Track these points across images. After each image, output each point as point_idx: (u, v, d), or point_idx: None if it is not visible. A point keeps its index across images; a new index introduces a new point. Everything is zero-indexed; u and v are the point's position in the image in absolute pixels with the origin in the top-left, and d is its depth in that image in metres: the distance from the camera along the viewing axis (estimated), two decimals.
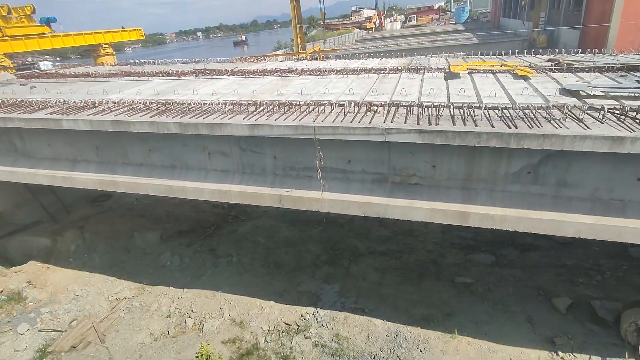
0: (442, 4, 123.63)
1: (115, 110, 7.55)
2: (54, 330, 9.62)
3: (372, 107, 6.30)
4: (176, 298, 10.20)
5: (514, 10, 46.91)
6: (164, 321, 9.53)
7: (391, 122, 5.62)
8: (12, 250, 12.78)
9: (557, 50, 10.84)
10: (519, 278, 9.36)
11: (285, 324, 8.86)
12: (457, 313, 8.57)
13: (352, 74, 9.24)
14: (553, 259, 9.78)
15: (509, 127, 5.06)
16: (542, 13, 35.04)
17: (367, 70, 9.43)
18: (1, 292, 10.95)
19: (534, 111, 5.44)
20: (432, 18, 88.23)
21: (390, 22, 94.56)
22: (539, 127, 4.99)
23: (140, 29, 21.92)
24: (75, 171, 8.38)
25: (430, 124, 5.45)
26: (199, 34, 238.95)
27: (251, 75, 9.94)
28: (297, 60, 24.19)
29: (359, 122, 5.74)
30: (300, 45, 44.02)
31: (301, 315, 9.05)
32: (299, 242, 11.93)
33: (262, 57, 29.73)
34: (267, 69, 10.55)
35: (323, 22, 48.34)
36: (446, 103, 6.14)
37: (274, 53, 49.41)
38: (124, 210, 14.74)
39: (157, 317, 9.68)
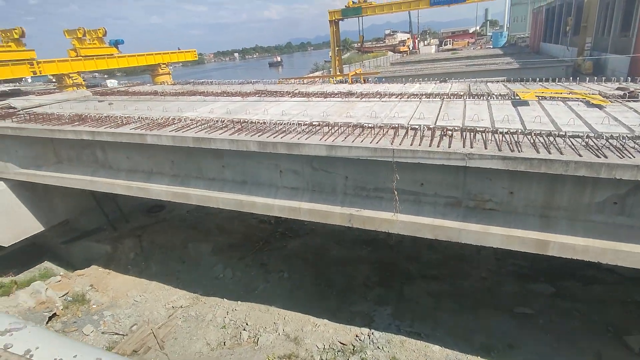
0: (478, 28, 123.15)
1: (194, 127, 8.05)
2: (116, 334, 10.06)
3: (447, 132, 6.43)
4: (230, 310, 10.45)
5: (555, 36, 46.09)
6: (220, 332, 9.77)
7: (471, 148, 5.72)
8: (76, 255, 13.56)
9: (604, 77, 10.56)
10: (584, 312, 8.97)
11: (341, 343, 8.87)
12: (519, 345, 8.31)
13: (414, 98, 9.43)
14: (621, 294, 9.33)
15: (598, 157, 5.04)
16: (587, 39, 34.29)
17: (428, 95, 9.60)
18: (67, 293, 11.59)
19: (622, 141, 5.40)
20: (467, 42, 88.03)
21: (424, 45, 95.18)
22: (630, 157, 4.95)
23: (194, 51, 23.26)
24: (151, 182, 8.92)
25: (512, 150, 5.50)
26: (236, 54, 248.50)
27: (313, 97, 10.33)
28: (338, 82, 24.79)
29: (438, 147, 5.87)
30: (337, 68, 45.08)
31: (356, 336, 9.04)
32: (348, 261, 11.99)
33: (304, 79, 30.57)
34: (327, 91, 10.93)
35: (362, 45, 49.23)
36: (523, 130, 6.18)
37: (311, 75, 50.66)
38: (177, 221, 15.36)
39: (212, 328, 9.94)
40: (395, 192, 6.35)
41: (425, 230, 6.53)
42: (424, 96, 9.50)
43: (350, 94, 10.62)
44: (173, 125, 8.31)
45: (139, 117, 8.89)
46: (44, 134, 9.25)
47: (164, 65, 20.58)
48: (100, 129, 8.56)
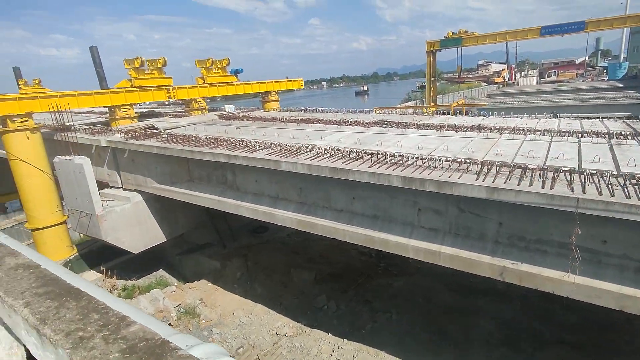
0: (587, 58, 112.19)
1: (327, 156, 7.95)
2: None
3: None
4: (336, 347, 9.95)
5: None
6: None
7: None
8: (188, 267, 14.38)
9: None
10: None
11: None
12: None
13: (567, 136, 8.32)
14: None
15: None
16: None
17: (582, 133, 8.41)
18: (180, 304, 12.18)
19: None
20: (576, 74, 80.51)
21: (522, 76, 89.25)
22: None
23: (301, 80, 24.36)
24: (276, 208, 9.00)
25: None
26: (323, 83, 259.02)
27: (445, 130, 9.73)
28: (436, 113, 23.82)
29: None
30: (432, 98, 43.92)
31: None
32: (464, 311, 10.81)
33: (397, 109, 30.03)
34: (456, 124, 10.25)
35: (459, 76, 47.52)
36: None
37: (404, 105, 50.14)
38: (279, 244, 15.58)
39: None
40: (575, 250, 5.36)
41: (607, 297, 5.39)
42: (580, 134, 8.33)
43: (481, 127, 9.81)
44: (307, 154, 8.30)
45: (270, 143, 9.12)
46: (184, 154, 9.98)
47: (274, 93, 21.70)
48: (237, 152, 8.93)
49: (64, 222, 13.63)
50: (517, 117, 12.09)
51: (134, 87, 15.61)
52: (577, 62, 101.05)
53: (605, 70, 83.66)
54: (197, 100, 18.15)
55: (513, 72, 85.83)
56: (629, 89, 43.58)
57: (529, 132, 8.94)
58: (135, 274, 13.97)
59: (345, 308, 11.49)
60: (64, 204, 13.06)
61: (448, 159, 6.94)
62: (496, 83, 78.92)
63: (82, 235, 14.52)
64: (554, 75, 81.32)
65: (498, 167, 6.33)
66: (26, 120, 12.51)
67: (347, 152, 8.01)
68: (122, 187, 12.95)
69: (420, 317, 10.75)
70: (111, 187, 13.18)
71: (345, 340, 10.11)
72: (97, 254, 13.72)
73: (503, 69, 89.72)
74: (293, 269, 13.39)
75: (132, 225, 12.23)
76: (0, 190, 22.62)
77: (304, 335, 10.62)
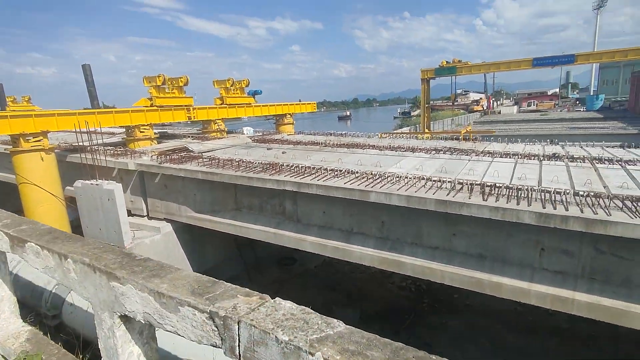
0: (557, 90, 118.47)
1: (416, 186, 7.11)
2: None
3: None
4: None
5: None
6: None
7: None
8: None
9: None
10: None
11: None
12: None
13: None
14: None
15: None
16: None
17: None
18: None
19: None
20: (554, 104, 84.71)
21: (498, 105, 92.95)
22: None
23: (314, 103, 23.80)
24: (351, 244, 7.99)
25: None
26: None
27: (525, 160, 9.10)
28: (437, 139, 23.61)
29: None
30: (426, 124, 44.39)
31: None
32: (534, 354, 9.92)
33: (394, 134, 29.83)
34: (530, 153, 9.68)
35: (453, 104, 48.57)
36: None
37: (399, 131, 50.50)
38: (310, 277, 14.37)
39: None
40: None
41: None
42: None
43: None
44: (389, 183, 7.43)
45: (346, 170, 8.20)
46: (240, 181, 8.90)
47: (289, 115, 20.94)
48: (307, 180, 7.95)
49: None
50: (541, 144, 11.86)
51: (155, 106, 14.47)
52: (549, 93, 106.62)
53: (577, 102, 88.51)
54: (217, 121, 17.10)
55: (491, 101, 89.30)
56: (610, 119, 45.64)
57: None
58: None
59: None
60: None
61: (584, 192, 6.20)
62: (476, 111, 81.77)
63: None
64: (534, 105, 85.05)
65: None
66: (40, 140, 11.14)
67: (441, 181, 7.18)
68: (147, 216, 11.60)
69: None
70: (134, 214, 11.79)
71: None
72: None
73: (481, 98, 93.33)
74: (334, 307, 12.20)
75: (161, 259, 10.79)
76: None
77: None
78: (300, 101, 23.10)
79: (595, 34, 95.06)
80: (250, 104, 18.76)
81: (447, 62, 42.40)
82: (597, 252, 5.85)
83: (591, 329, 9.75)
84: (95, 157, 10.76)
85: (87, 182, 10.11)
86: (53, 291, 6.26)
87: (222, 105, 17.45)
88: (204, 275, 2.51)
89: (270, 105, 19.95)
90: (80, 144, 10.79)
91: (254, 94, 19.10)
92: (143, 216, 11.67)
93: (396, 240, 7.63)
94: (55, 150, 11.96)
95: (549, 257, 6.23)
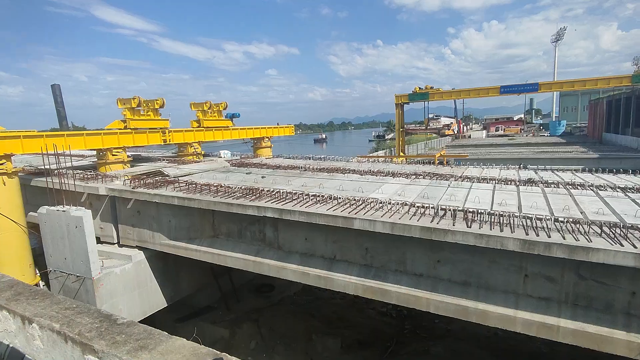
0: (522, 115, 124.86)
1: (398, 212, 7.08)
2: None
3: None
4: None
5: (624, 127, 44.96)
6: None
7: None
8: (188, 336, 12.20)
9: None
10: None
11: None
12: None
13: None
14: None
15: None
16: None
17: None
18: None
19: None
20: (520, 129, 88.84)
21: (468, 129, 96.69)
22: None
23: (292, 127, 23.82)
24: (333, 272, 7.78)
25: None
26: None
27: (504, 185, 9.28)
28: (411, 163, 24.07)
29: None
30: (401, 148, 45.32)
31: None
32: None
33: (368, 158, 30.28)
34: (507, 178, 9.90)
35: (426, 127, 49.94)
36: None
37: (375, 154, 51.25)
38: (290, 305, 13.92)
39: None
40: None
41: None
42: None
43: (531, 182, 9.54)
44: (371, 210, 7.36)
45: (328, 196, 8.07)
46: (218, 207, 8.59)
47: (267, 139, 20.84)
48: (289, 207, 7.76)
49: (37, 285, 11.19)
50: (509, 169, 12.24)
51: (128, 128, 14.02)
52: (515, 118, 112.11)
53: (541, 127, 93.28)
54: (193, 144, 16.74)
55: (462, 125, 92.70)
56: (572, 144, 48.13)
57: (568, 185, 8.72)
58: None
59: None
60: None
61: (547, 217, 6.34)
62: (447, 135, 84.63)
63: None
64: (501, 129, 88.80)
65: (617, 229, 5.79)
66: (3, 163, 10.49)
67: (425, 207, 7.18)
68: (118, 243, 10.99)
69: None
70: (103, 242, 11.15)
71: None
72: None
73: (452, 122, 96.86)
74: (315, 335, 11.81)
75: (132, 290, 10.22)
76: None
77: None
78: (278, 124, 23.07)
79: (555, 64, 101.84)
80: (227, 127, 18.55)
81: (419, 88, 43.83)
82: (579, 278, 5.92)
83: (570, 354, 9.82)
84: (63, 181, 10.17)
85: (52, 208, 9.51)
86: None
87: (199, 128, 17.16)
88: (203, 346, 2.18)
89: (248, 129, 19.79)
90: (47, 167, 10.19)
91: (231, 117, 18.92)
92: (113, 243, 11.05)
93: (380, 267, 7.49)
94: (19, 174, 11.26)
95: (533, 283, 6.24)
